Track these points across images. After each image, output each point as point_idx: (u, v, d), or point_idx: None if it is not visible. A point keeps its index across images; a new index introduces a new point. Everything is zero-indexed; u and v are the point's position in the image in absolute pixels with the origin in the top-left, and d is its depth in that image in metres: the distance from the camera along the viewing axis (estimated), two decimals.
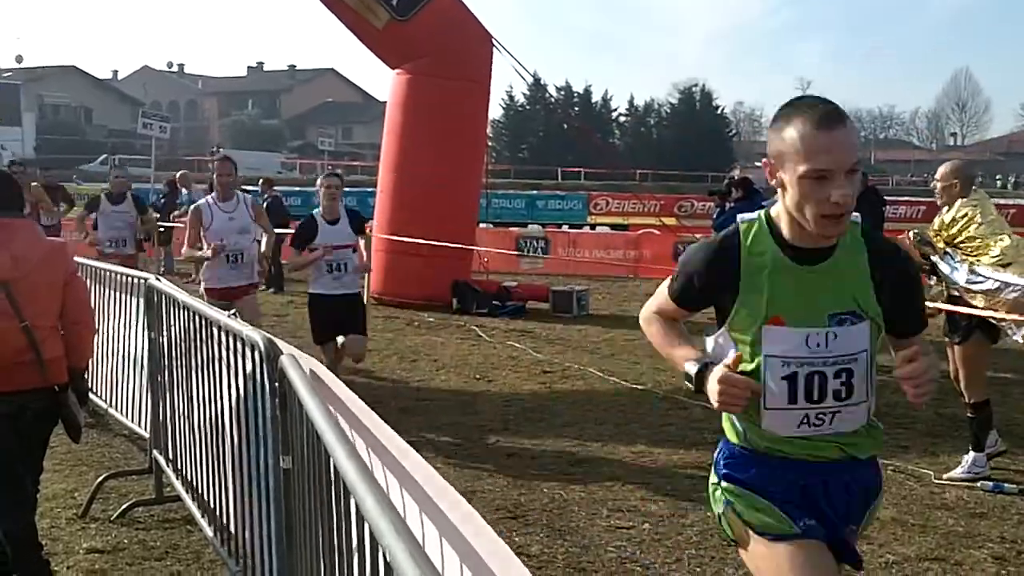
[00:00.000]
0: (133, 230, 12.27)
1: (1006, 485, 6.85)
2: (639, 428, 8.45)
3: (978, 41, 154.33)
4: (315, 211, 9.05)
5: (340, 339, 9.10)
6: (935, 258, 7.00)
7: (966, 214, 6.89)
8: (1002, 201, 35.53)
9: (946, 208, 7.12)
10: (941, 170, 7.30)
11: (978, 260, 6.80)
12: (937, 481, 7.03)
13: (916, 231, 7.26)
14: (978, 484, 6.90)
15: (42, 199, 15.33)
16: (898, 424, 8.70)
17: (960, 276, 6.79)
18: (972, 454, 7.14)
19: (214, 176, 9.17)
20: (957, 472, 7.13)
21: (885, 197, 12.97)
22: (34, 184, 15.52)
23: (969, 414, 7.17)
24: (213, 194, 9.10)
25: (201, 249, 8.96)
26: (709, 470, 7.30)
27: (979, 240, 6.78)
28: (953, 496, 6.72)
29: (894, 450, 7.80)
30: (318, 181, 9.21)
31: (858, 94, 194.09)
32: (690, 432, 8.32)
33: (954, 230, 6.90)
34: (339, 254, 8.85)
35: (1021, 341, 6.92)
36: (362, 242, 9.45)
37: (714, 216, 13.22)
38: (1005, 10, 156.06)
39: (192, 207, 9.30)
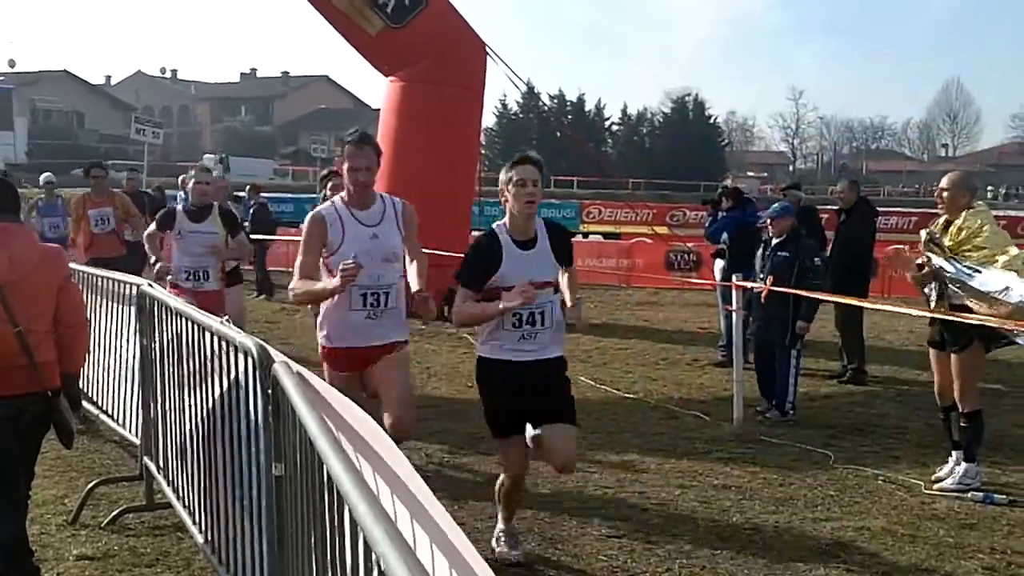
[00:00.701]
0: (217, 258, 8.70)
1: (996, 496, 6.86)
2: (630, 437, 8.45)
3: (970, 51, 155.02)
4: (497, 224, 5.59)
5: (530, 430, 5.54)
6: (940, 260, 6.95)
7: (975, 224, 6.91)
8: (992, 212, 35.48)
9: (943, 216, 7.15)
10: (951, 178, 7.28)
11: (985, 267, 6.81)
12: (927, 491, 7.04)
13: (929, 230, 7.23)
14: (968, 495, 6.91)
15: (128, 210, 12.55)
16: (888, 435, 8.73)
17: (975, 280, 6.76)
18: (964, 465, 7.15)
19: (344, 169, 5.91)
20: (948, 483, 7.14)
21: (877, 208, 13.02)
22: (116, 190, 13.15)
23: (962, 423, 7.17)
24: (341, 195, 5.97)
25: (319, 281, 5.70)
26: (701, 479, 7.34)
27: (986, 250, 6.79)
28: (943, 507, 6.74)
29: (884, 460, 7.83)
30: (503, 175, 5.47)
31: (850, 103, 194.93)
32: (681, 441, 8.32)
33: (961, 237, 6.91)
34: (538, 299, 5.42)
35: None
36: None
37: (706, 225, 13.25)
38: (997, 20, 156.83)
39: (311, 215, 5.92)
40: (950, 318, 6.92)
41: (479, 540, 5.78)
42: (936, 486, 7.13)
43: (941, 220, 7.21)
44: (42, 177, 15.13)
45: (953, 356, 7.07)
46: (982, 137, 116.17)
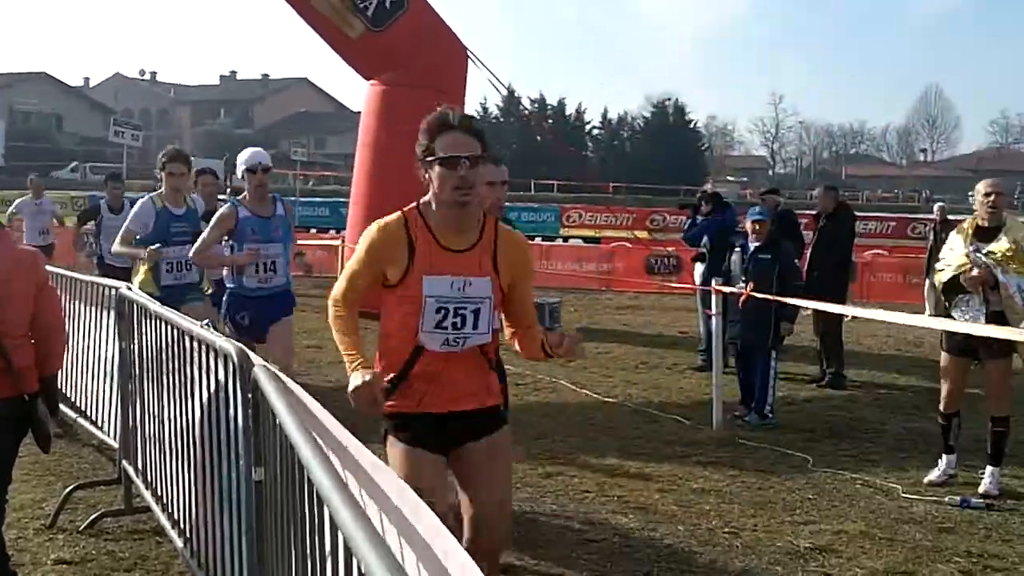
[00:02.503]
0: None
1: (973, 500, 6.91)
2: (610, 441, 8.46)
3: (949, 57, 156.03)
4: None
5: None
6: (1006, 277, 6.96)
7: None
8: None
9: (976, 220, 7.18)
10: (997, 184, 7.29)
11: None
12: (905, 495, 7.08)
13: (985, 255, 7.15)
14: (945, 499, 6.96)
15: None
16: (866, 439, 8.77)
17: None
18: (994, 468, 7.25)
19: None
20: (989, 485, 7.16)
21: (855, 213, 13.10)
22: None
23: (998, 428, 7.21)
24: None
25: None
26: (680, 483, 7.34)
27: None
28: (921, 510, 6.77)
29: (862, 464, 7.86)
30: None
31: (830, 109, 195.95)
32: (660, 445, 8.34)
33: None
34: None
35: None
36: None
37: (685, 228, 13.28)
38: (977, 26, 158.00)
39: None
40: (938, 326, 6.96)
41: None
42: (981, 490, 7.11)
43: (968, 224, 7.22)
44: (243, 157, 7.66)
45: (993, 363, 7.07)
46: (961, 142, 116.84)
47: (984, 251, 7.01)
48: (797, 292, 9.03)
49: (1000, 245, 6.97)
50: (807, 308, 9.56)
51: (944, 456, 7.47)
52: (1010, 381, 7.31)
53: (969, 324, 6.99)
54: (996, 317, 6.92)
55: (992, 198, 7.18)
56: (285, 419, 2.90)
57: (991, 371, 7.16)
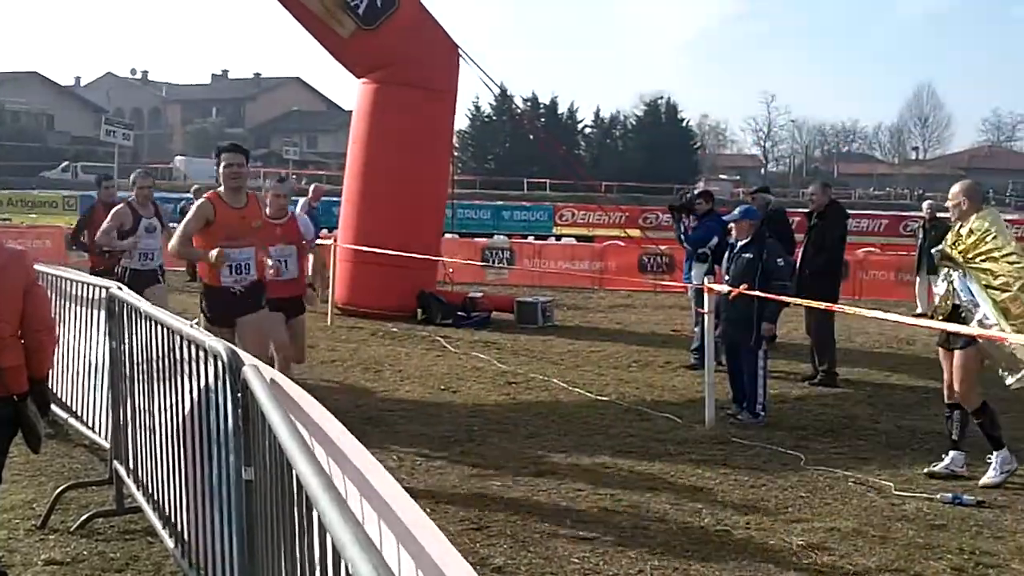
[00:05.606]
0: None
1: (965, 497, 6.92)
2: (603, 439, 8.46)
3: (941, 56, 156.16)
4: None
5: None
6: (955, 273, 7.23)
7: (981, 226, 7.18)
8: None
9: (959, 224, 7.38)
10: (958, 187, 7.59)
11: (992, 277, 7.05)
12: (897, 492, 7.09)
13: (938, 248, 7.53)
14: (937, 496, 6.97)
15: None
16: (858, 436, 8.79)
17: (978, 313, 7.08)
18: (995, 454, 7.39)
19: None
20: (991, 475, 7.30)
21: (848, 211, 13.10)
22: None
23: (976, 421, 7.44)
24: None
25: None
26: (672, 481, 7.34)
27: (997, 252, 7.06)
28: (913, 508, 6.78)
29: (854, 462, 7.87)
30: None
31: (822, 107, 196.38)
32: (653, 443, 8.34)
33: (970, 241, 7.15)
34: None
35: (1010, 383, 7.16)
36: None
37: (680, 231, 12.96)
38: (968, 25, 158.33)
39: None
40: (920, 323, 7.06)
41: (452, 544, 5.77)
42: (982, 481, 7.31)
43: (956, 228, 7.46)
44: None
45: (955, 353, 7.31)
46: (953, 141, 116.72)
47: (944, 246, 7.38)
48: (780, 291, 9.01)
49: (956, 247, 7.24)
50: (791, 304, 9.58)
51: (950, 451, 7.56)
52: (972, 372, 7.42)
53: (954, 324, 7.24)
54: (955, 309, 7.31)
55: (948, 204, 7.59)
56: (274, 419, 2.89)
57: (953, 358, 7.44)
